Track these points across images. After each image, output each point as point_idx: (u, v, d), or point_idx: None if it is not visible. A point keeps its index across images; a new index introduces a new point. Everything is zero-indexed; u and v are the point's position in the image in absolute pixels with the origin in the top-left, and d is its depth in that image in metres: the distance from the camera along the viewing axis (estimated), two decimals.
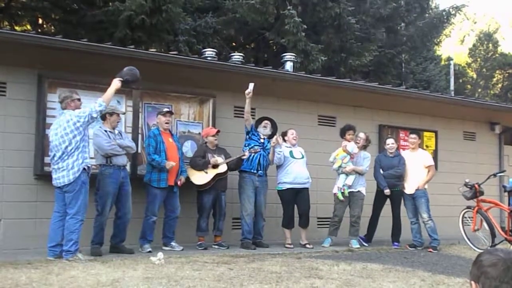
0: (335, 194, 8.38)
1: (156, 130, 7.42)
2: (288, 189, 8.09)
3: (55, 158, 6.20)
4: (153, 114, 7.88)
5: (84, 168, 6.14)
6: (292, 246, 7.99)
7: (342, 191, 8.30)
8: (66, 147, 6.08)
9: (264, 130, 8.20)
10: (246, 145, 8.06)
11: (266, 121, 8.23)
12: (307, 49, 13.58)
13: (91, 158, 6.88)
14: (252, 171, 7.92)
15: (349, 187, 8.33)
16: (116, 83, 6.33)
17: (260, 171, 7.99)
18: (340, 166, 8.35)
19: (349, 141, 8.45)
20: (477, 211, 8.35)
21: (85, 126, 6.17)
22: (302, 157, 8.28)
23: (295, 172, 8.08)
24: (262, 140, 8.13)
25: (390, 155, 8.71)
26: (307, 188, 8.21)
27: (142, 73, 6.58)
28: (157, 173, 7.20)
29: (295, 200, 8.15)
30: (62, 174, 6.11)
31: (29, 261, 5.81)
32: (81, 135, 6.13)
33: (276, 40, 14.64)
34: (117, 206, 6.90)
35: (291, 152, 8.19)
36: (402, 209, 8.69)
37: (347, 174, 8.34)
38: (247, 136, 8.10)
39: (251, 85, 7.75)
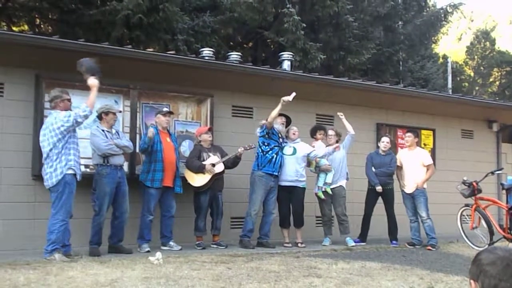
0: (316, 193, 8.38)
1: (155, 129, 7.40)
2: (279, 186, 7.97)
3: (43, 160, 6.20)
4: (151, 114, 7.86)
5: (70, 172, 6.07)
6: (290, 245, 7.98)
7: (323, 190, 8.32)
8: (51, 149, 6.05)
9: (282, 127, 8.03)
10: (266, 144, 7.79)
11: (283, 118, 8.03)
12: (306, 48, 13.58)
13: (88, 158, 6.86)
14: (274, 173, 7.78)
15: (330, 184, 8.33)
16: (95, 84, 6.17)
17: (278, 172, 7.88)
18: (316, 166, 8.37)
19: (317, 140, 8.49)
20: (475, 209, 8.35)
21: (69, 130, 6.09)
22: (293, 153, 8.02)
23: (282, 169, 7.92)
24: (281, 140, 7.98)
25: (382, 154, 8.72)
26: (301, 187, 8.07)
27: (140, 72, 6.56)
28: (152, 173, 7.18)
29: (290, 198, 8.07)
30: (47, 178, 6.10)
31: (27, 262, 5.80)
32: (65, 139, 6.07)
33: (275, 39, 14.62)
34: (114, 206, 6.88)
35: (283, 149, 8.03)
36: (397, 207, 8.69)
37: (326, 172, 8.34)
38: (266, 136, 7.82)
39: (293, 95, 7.59)
